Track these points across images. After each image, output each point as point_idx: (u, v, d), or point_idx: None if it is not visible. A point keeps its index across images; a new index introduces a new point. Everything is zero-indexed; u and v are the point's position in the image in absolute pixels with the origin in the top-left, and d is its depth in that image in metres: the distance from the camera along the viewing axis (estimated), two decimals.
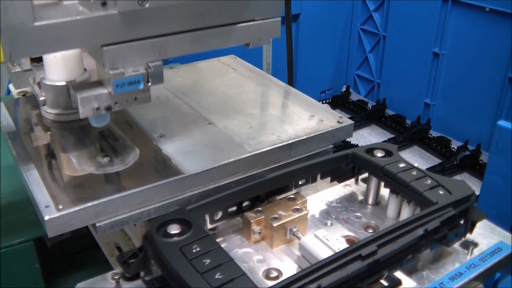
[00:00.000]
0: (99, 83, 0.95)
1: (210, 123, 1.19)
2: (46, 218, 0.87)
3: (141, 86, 0.92)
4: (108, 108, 0.94)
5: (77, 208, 0.90)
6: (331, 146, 1.19)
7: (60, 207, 0.89)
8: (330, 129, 1.17)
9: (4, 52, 0.80)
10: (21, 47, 0.80)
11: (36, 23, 0.79)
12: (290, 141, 1.12)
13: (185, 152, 1.07)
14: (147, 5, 0.86)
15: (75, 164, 1.05)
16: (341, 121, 1.20)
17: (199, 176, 1.01)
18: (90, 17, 0.83)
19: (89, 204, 0.91)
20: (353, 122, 1.21)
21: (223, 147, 1.09)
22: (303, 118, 1.22)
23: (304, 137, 1.13)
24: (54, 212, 0.88)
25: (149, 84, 0.93)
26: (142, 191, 0.95)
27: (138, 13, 0.87)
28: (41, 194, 0.93)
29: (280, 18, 1.04)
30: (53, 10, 0.84)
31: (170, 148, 1.09)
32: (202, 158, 1.05)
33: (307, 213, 1.00)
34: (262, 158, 1.09)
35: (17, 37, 0.79)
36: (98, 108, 0.93)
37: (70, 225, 0.90)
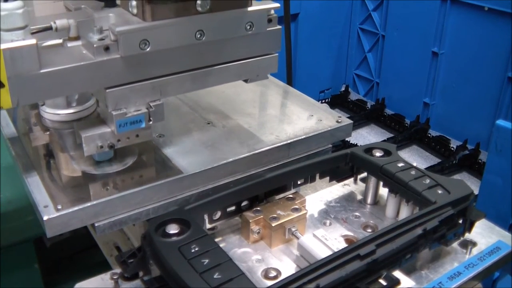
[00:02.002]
0: (102, 122, 0.98)
1: (209, 123, 1.19)
2: (45, 218, 0.88)
3: (143, 125, 0.95)
4: (111, 146, 0.97)
5: (76, 208, 0.90)
6: (330, 145, 1.19)
7: (59, 207, 0.89)
8: (329, 128, 1.17)
9: (11, 99, 0.82)
10: (28, 94, 0.83)
11: (42, 70, 0.83)
12: (289, 141, 1.12)
13: (184, 152, 1.07)
14: (148, 49, 0.89)
15: (74, 164, 1.05)
16: (340, 120, 1.20)
17: (198, 176, 1.01)
18: (94, 62, 0.87)
19: (88, 204, 0.91)
20: (352, 121, 1.21)
21: (222, 147, 1.10)
22: (302, 118, 1.22)
23: (303, 137, 1.13)
24: (53, 212, 0.89)
25: (150, 122, 0.95)
26: (141, 191, 0.96)
27: (140, 57, 0.90)
28: (40, 194, 0.94)
29: (277, 54, 1.07)
30: (58, 54, 0.88)
31: (169, 148, 1.09)
32: (201, 158, 1.05)
33: (306, 213, 1.00)
34: (261, 158, 1.09)
35: (24, 85, 0.82)
36: (101, 146, 0.96)
37: (69, 225, 0.91)
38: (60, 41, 0.92)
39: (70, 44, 0.91)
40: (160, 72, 0.94)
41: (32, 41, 0.81)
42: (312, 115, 1.23)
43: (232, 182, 1.05)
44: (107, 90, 0.90)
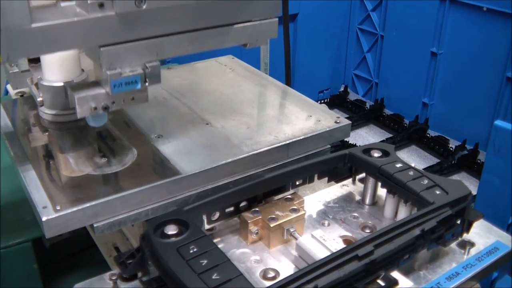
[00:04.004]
0: (96, 83, 0.95)
1: (207, 124, 1.19)
2: (44, 219, 0.88)
3: (139, 86, 0.92)
4: (105, 108, 0.94)
5: (75, 208, 0.90)
6: (329, 146, 1.19)
7: (58, 207, 0.89)
8: (328, 129, 1.17)
9: (2, 54, 0.80)
10: (18, 48, 0.81)
11: (34, 25, 0.80)
12: (287, 141, 1.12)
13: (183, 153, 1.07)
14: (144, 7, 0.86)
15: (73, 164, 1.05)
16: (338, 121, 1.20)
17: (197, 176, 1.01)
18: (88, 18, 0.84)
19: (87, 204, 0.91)
20: (350, 122, 1.21)
21: (220, 148, 1.10)
22: (300, 118, 1.22)
23: (301, 137, 1.14)
24: (51, 213, 0.88)
25: (147, 84, 0.93)
26: (139, 191, 0.96)
27: (135, 14, 0.87)
28: (38, 194, 0.94)
29: (277, 19, 1.04)
30: (50, 12, 0.85)
31: (168, 149, 1.09)
32: (200, 159, 1.05)
33: (304, 213, 1.00)
34: (259, 158, 1.09)
35: (15, 39, 0.79)
36: (95, 108, 0.93)
37: (68, 226, 0.91)
38: (53, 1, 0.89)
39: (63, 4, 0.88)
40: (156, 32, 0.92)
41: None
42: (310, 116, 1.23)
43: (231, 183, 1.05)
44: (102, 49, 0.87)
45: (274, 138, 1.13)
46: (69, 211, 0.89)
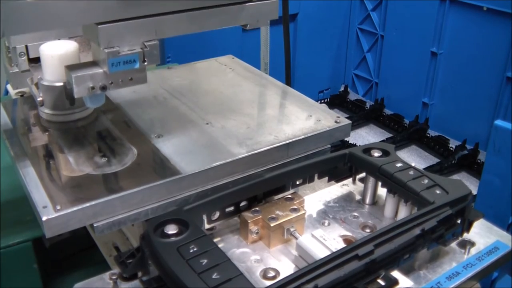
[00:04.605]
0: (94, 63, 0.94)
1: (207, 123, 1.19)
2: (44, 218, 0.88)
3: (137, 66, 0.92)
4: (103, 88, 0.93)
5: (75, 208, 0.90)
6: (329, 146, 1.19)
7: (58, 207, 0.89)
8: (328, 129, 1.17)
9: None
10: (14, 23, 0.80)
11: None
12: (287, 141, 1.12)
13: (183, 152, 1.07)
14: None
15: (73, 164, 1.05)
16: (338, 121, 1.20)
17: (197, 176, 1.01)
18: None
19: (87, 204, 0.91)
20: (350, 122, 1.21)
21: (220, 147, 1.10)
22: (300, 118, 1.22)
23: (301, 137, 1.14)
24: (51, 212, 0.88)
25: (145, 63, 0.92)
26: (139, 191, 0.96)
27: None
28: (38, 194, 0.94)
29: (277, 0, 1.04)
30: None
31: (168, 148, 1.09)
32: (200, 158, 1.05)
33: (304, 213, 1.00)
34: (259, 158, 1.09)
35: (10, 14, 0.78)
36: (93, 88, 0.92)
37: (68, 226, 0.91)
38: None
39: None
40: (156, 10, 0.91)
41: None
42: (310, 116, 1.23)
43: (231, 183, 1.05)
44: (99, 26, 0.86)
45: (274, 138, 1.13)
46: (69, 210, 0.89)
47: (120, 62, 0.90)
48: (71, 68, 0.93)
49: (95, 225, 0.93)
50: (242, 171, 1.07)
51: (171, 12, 0.92)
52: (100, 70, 0.92)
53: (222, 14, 0.98)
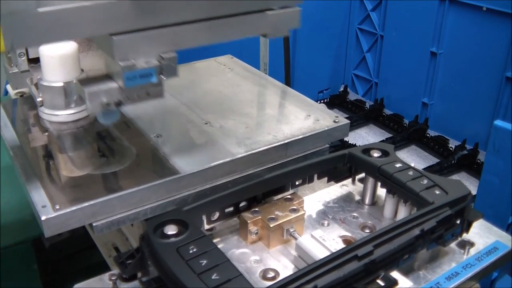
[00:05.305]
0: (107, 77, 0.89)
1: (206, 123, 1.19)
2: (43, 218, 0.88)
3: (154, 80, 0.86)
4: (118, 104, 0.88)
5: (74, 208, 0.90)
6: (327, 145, 1.19)
7: (57, 207, 0.89)
8: (326, 128, 1.18)
9: (4, 41, 0.74)
10: (23, 35, 0.75)
11: (40, 9, 0.74)
12: (286, 141, 1.12)
13: (182, 152, 1.07)
14: None
15: (72, 164, 1.05)
16: (337, 120, 1.20)
17: (196, 175, 1.01)
18: (100, 3, 0.78)
19: (86, 204, 0.91)
20: (349, 121, 1.21)
21: (219, 147, 1.10)
22: (299, 118, 1.22)
23: (300, 137, 1.14)
24: (51, 212, 0.89)
25: (163, 77, 0.87)
26: (138, 191, 0.96)
27: (152, 0, 0.81)
28: (38, 194, 0.94)
29: (300, 8, 1.00)
30: None
31: (167, 148, 1.09)
32: (199, 158, 1.05)
33: (304, 214, 1.00)
34: (258, 158, 1.09)
35: (19, 25, 0.73)
36: (107, 104, 0.87)
37: (67, 225, 0.91)
38: None
39: None
40: (174, 19, 0.85)
41: None
42: (309, 115, 1.23)
43: (230, 182, 1.05)
44: (114, 38, 0.80)
45: (272, 138, 1.13)
46: (68, 210, 0.89)
47: (136, 76, 0.84)
48: (83, 82, 0.88)
49: (94, 225, 0.93)
50: (241, 170, 1.07)
51: (189, 21, 0.87)
52: (115, 85, 0.87)
53: (242, 23, 0.93)
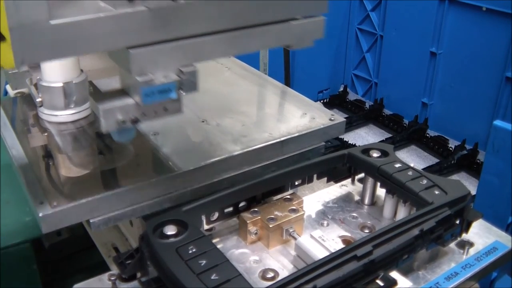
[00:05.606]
0: (123, 92, 0.83)
1: (203, 121, 1.20)
2: (41, 214, 0.88)
3: (174, 96, 0.81)
4: (134, 121, 0.82)
5: (71, 204, 0.91)
6: (323, 143, 1.20)
7: (55, 203, 0.90)
8: (322, 126, 1.18)
9: (14, 58, 0.68)
10: (34, 50, 0.68)
11: (53, 21, 0.68)
12: (282, 138, 1.13)
13: (179, 150, 1.08)
14: (181, 1, 0.75)
15: (70, 161, 1.05)
16: (333, 118, 1.21)
17: (192, 173, 1.02)
18: (115, 14, 0.72)
19: (83, 200, 0.92)
20: (344, 119, 1.23)
21: (216, 144, 1.10)
22: (295, 116, 1.23)
23: (296, 135, 1.14)
24: (48, 208, 0.89)
25: (183, 93, 0.82)
26: (135, 188, 0.96)
27: (171, 10, 0.75)
28: (35, 191, 0.94)
29: (324, 18, 0.96)
30: (69, 6, 0.73)
31: (164, 146, 1.09)
32: (195, 155, 1.06)
33: (303, 214, 1.00)
34: (254, 155, 1.10)
35: (30, 39, 0.67)
36: (123, 121, 0.81)
37: (65, 222, 0.91)
38: None
39: None
40: (194, 30, 0.79)
41: None
42: (305, 113, 1.24)
43: (226, 179, 1.06)
44: (131, 51, 0.75)
45: (269, 135, 1.13)
46: (65, 206, 0.90)
47: (154, 92, 0.79)
48: (97, 99, 0.82)
49: (91, 221, 0.94)
50: (237, 167, 1.08)
51: (211, 32, 0.81)
52: (131, 101, 0.81)
53: (265, 34, 0.88)
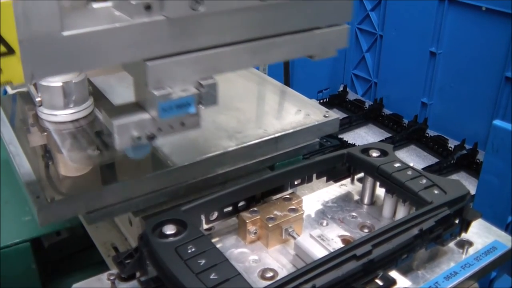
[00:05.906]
0: (138, 106, 0.78)
1: None
2: (37, 208, 0.89)
3: (193, 110, 0.76)
4: (150, 137, 0.77)
5: (67, 198, 0.92)
6: (317, 139, 1.21)
7: (51, 197, 0.91)
8: (316, 123, 1.19)
9: (24, 72, 0.63)
10: (46, 64, 0.64)
11: (65, 33, 0.63)
12: (276, 135, 1.14)
13: (173, 145, 1.09)
14: (201, 10, 0.69)
15: (66, 157, 1.05)
16: (327, 115, 1.22)
17: (187, 168, 1.03)
18: (131, 24, 0.68)
19: (79, 194, 0.93)
20: (338, 116, 1.24)
21: (210, 140, 1.11)
22: (290, 113, 1.24)
23: (290, 131, 1.15)
24: (44, 203, 0.90)
25: (202, 107, 0.77)
26: (131, 182, 0.97)
27: (190, 20, 0.71)
28: (32, 186, 0.95)
29: (348, 26, 0.91)
30: (82, 16, 0.69)
31: (158, 141, 1.09)
32: (190, 151, 1.07)
33: (302, 213, 1.00)
34: (249, 151, 1.11)
35: (42, 51, 0.63)
36: (138, 138, 0.76)
37: (61, 215, 0.93)
38: (82, 1, 0.71)
39: (96, 5, 0.71)
40: (215, 41, 0.75)
41: None
42: (300, 110, 1.24)
43: (221, 175, 1.07)
44: (148, 63, 0.70)
45: (263, 132, 1.14)
46: (61, 199, 0.92)
47: (172, 106, 0.73)
48: (111, 113, 0.76)
49: (87, 215, 0.95)
50: (232, 163, 1.09)
51: (231, 43, 0.77)
52: (148, 116, 0.76)
53: (288, 43, 0.84)
